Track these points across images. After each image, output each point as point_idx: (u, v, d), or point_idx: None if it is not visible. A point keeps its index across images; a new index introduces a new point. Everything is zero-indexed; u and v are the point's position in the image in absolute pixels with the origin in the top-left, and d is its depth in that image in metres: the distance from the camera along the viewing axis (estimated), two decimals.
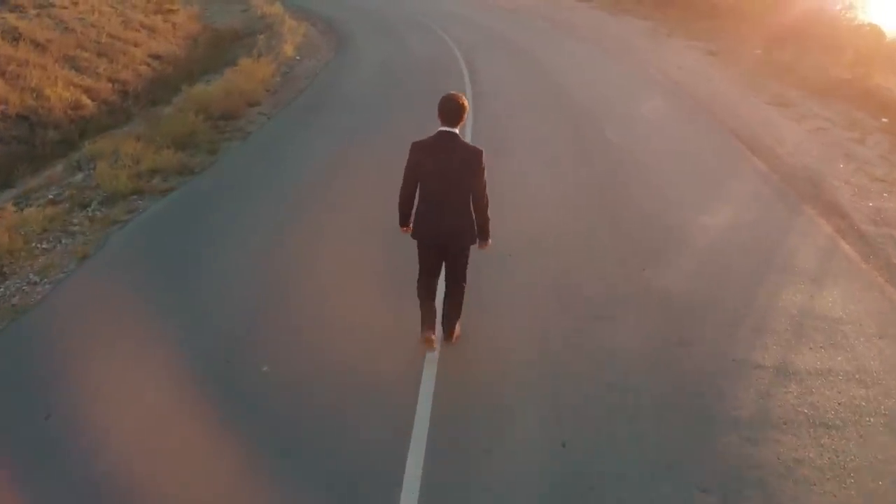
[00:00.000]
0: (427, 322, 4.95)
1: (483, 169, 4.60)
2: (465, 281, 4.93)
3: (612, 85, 13.17)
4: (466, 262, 4.89)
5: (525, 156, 9.21)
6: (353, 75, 15.74)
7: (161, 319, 5.64)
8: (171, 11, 21.74)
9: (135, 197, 8.62)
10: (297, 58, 17.78)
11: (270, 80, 14.94)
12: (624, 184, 8.16)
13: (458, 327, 5.06)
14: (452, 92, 4.74)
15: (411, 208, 4.82)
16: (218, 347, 5.24)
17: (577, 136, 10.28)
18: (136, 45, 17.77)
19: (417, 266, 4.93)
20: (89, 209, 8.31)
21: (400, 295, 5.48)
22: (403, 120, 11.30)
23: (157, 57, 17.77)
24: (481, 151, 4.63)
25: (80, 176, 9.71)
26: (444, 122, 4.60)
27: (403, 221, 4.89)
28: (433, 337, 4.93)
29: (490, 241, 4.84)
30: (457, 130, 4.62)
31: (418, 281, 4.96)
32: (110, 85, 14.91)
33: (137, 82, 15.70)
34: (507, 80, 13.88)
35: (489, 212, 4.73)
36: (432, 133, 4.69)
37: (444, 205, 4.65)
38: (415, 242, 4.93)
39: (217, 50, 20.67)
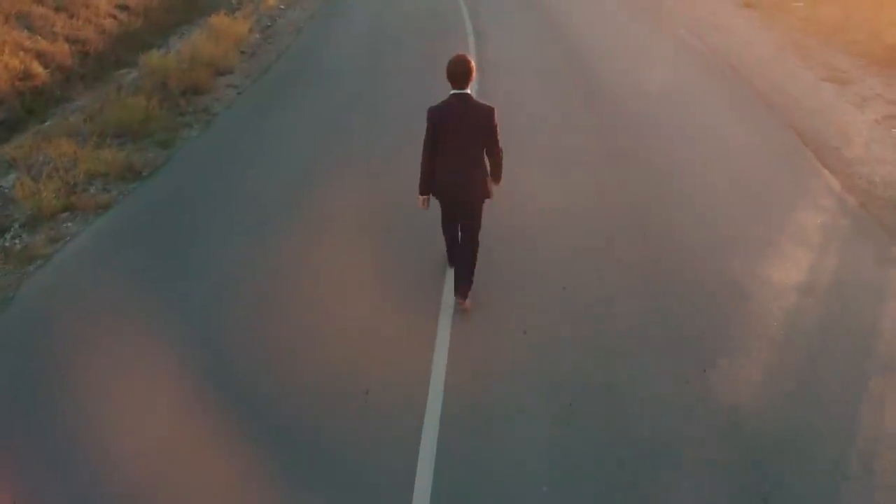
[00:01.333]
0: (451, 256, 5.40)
1: (496, 125, 4.75)
2: (478, 231, 5.06)
3: (638, 52, 11.15)
4: (480, 213, 5.03)
5: (533, 156, 7.50)
6: (341, 30, 13.76)
7: (73, 432, 4.13)
8: None
9: (65, 215, 6.99)
10: (281, 7, 15.73)
11: (247, 38, 13.01)
12: (660, 211, 6.47)
13: (468, 300, 5.08)
14: (459, 53, 4.83)
15: (432, 176, 4.89)
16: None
17: (599, 129, 8.49)
18: None
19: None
20: (8, 236, 6.68)
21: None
22: (399, 95, 9.54)
23: (124, 7, 15.69)
24: (493, 109, 4.75)
25: (13, 176, 8.04)
26: (455, 85, 4.72)
27: (423, 190, 4.96)
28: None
29: (500, 182, 5.00)
30: (468, 91, 4.74)
31: (442, 225, 5.28)
32: (67, 46, 12.98)
33: (99, 41, 13.71)
34: (515, 44, 11.90)
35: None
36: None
37: (461, 163, 4.79)
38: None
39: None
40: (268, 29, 14.01)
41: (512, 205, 6.17)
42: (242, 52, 12.32)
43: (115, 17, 15.06)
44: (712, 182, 6.92)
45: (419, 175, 4.91)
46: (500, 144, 4.81)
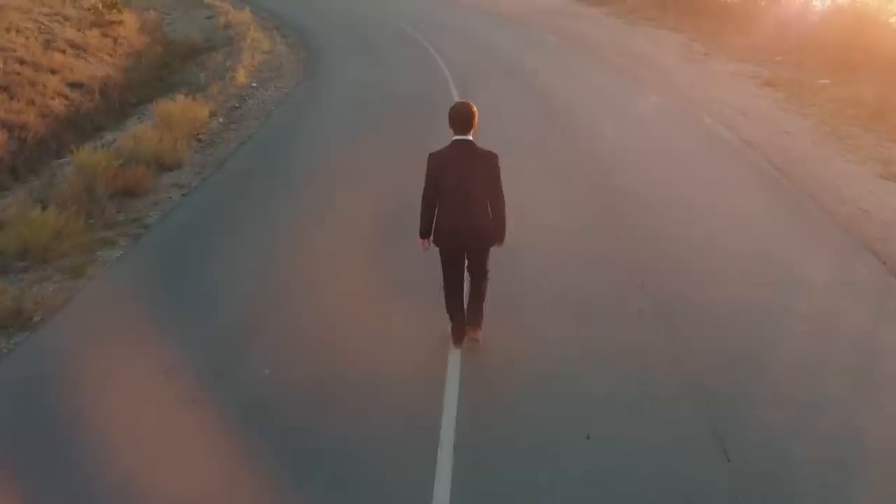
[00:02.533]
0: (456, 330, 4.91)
1: (499, 172, 4.66)
2: (488, 274, 4.90)
3: (662, 148, 9.24)
4: (488, 258, 4.87)
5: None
6: (316, 116, 12.08)
7: None
8: (112, 24, 17.96)
9: None
10: (253, 85, 14.11)
11: (207, 123, 11.30)
12: (735, 398, 4.59)
13: (480, 332, 4.90)
14: (461, 100, 4.87)
15: (432, 221, 4.77)
16: None
17: (630, 256, 6.69)
18: (53, 71, 14.01)
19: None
20: None
21: None
22: (376, 203, 7.71)
23: (78, 86, 14.03)
24: (496, 156, 4.69)
25: None
26: (457, 131, 4.64)
27: (424, 233, 4.83)
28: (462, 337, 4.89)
29: (504, 240, 4.83)
30: (470, 137, 4.65)
31: (445, 293, 4.89)
32: (1, 133, 11.25)
33: (42, 125, 12.01)
34: (515, 135, 10.13)
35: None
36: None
37: (464, 209, 4.65)
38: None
39: (164, 70, 17.02)
40: (234, 111, 12.33)
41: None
42: (199, 141, 10.59)
43: (65, 97, 13.36)
44: (793, 341, 5.06)
45: (420, 222, 4.81)
46: (503, 195, 4.70)
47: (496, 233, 4.75)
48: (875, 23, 13.61)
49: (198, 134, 10.80)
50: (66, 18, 17.23)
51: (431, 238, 4.80)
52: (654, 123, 10.50)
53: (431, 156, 4.69)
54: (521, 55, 15.92)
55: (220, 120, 11.69)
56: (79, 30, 17.02)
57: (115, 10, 18.24)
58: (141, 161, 8.98)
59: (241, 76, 14.20)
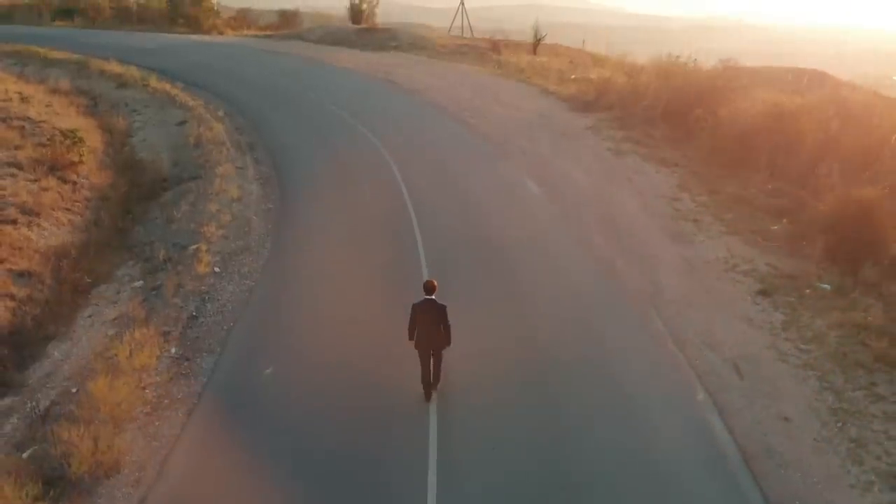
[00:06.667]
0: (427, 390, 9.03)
1: (446, 314, 8.82)
2: (440, 366, 9.03)
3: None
4: (441, 358, 9.00)
5: None
6: (291, 327, 10.92)
7: None
8: (72, 165, 16.69)
9: None
10: (216, 270, 12.89)
11: (156, 363, 10.13)
12: None
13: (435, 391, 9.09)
14: (429, 278, 9.27)
15: (414, 336, 8.95)
16: None
17: None
18: None
19: None
20: None
21: None
22: None
23: (25, 276, 12.75)
24: (445, 306, 8.84)
25: None
26: (426, 294, 8.87)
27: (410, 338, 8.98)
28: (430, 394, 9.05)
29: (451, 343, 8.99)
30: (434, 297, 8.85)
31: (421, 373, 9.00)
32: None
33: None
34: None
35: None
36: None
37: (429, 331, 8.82)
38: None
39: (127, 217, 15.79)
40: (191, 327, 11.12)
41: None
42: (145, 401, 9.43)
43: (10, 296, 12.02)
44: None
45: (408, 335, 9.02)
46: (450, 324, 8.88)
47: (446, 339, 8.91)
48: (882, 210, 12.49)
49: (144, 388, 9.66)
50: (21, 167, 15.93)
51: (414, 343, 8.92)
52: (636, 408, 8.93)
53: (413, 305, 8.88)
54: (500, 219, 14.71)
55: (173, 351, 10.48)
56: (35, 179, 15.75)
57: (75, 146, 16.94)
58: (72, 476, 7.89)
59: (204, 261, 12.97)
